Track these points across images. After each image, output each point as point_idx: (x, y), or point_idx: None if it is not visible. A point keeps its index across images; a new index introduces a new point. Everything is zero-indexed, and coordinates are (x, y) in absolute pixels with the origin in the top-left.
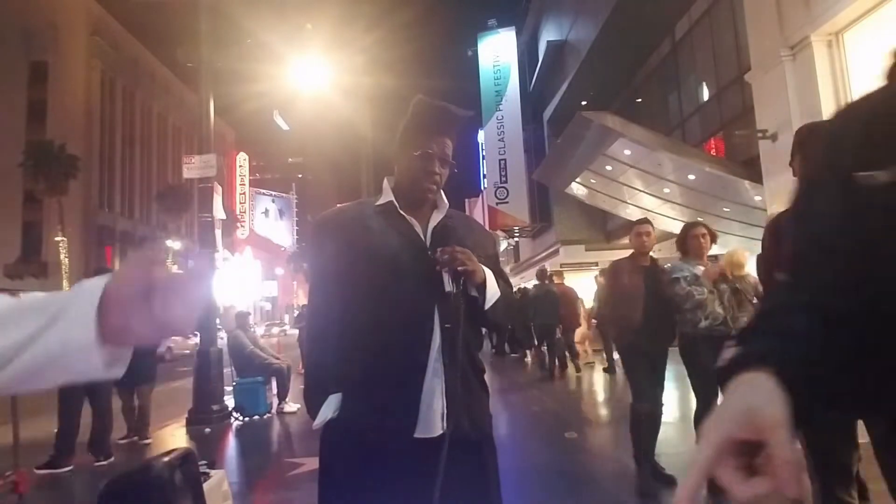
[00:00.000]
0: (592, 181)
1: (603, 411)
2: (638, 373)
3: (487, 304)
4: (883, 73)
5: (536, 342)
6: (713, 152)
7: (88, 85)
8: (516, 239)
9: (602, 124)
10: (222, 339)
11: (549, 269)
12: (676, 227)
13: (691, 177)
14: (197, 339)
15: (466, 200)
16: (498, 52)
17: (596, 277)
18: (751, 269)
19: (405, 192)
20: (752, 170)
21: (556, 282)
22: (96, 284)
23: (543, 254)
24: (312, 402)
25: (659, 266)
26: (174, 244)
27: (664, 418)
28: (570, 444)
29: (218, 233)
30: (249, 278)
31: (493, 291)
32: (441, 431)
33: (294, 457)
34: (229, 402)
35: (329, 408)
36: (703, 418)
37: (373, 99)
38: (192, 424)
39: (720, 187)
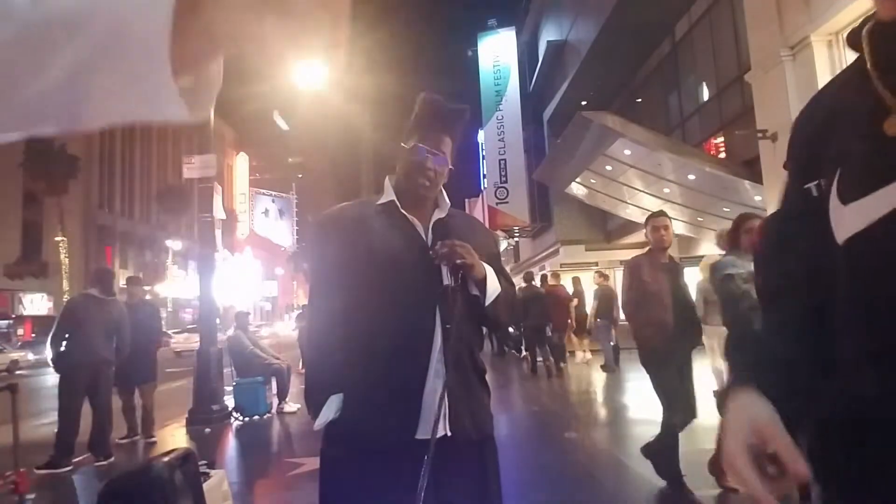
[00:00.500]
0: (592, 181)
1: (603, 411)
2: (667, 381)
3: (488, 301)
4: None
5: (526, 343)
6: (714, 152)
7: None
8: (516, 239)
9: (602, 124)
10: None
11: (544, 272)
12: (677, 228)
13: (691, 177)
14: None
15: (466, 200)
16: (498, 52)
17: (594, 277)
18: None
19: (404, 190)
20: (751, 170)
21: (550, 283)
22: None
23: (543, 254)
24: (313, 403)
25: (678, 263)
26: (174, 244)
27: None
28: (569, 444)
29: (218, 233)
30: (249, 278)
31: (493, 288)
32: (442, 433)
33: (294, 457)
34: (229, 402)
35: (330, 408)
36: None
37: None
38: (193, 424)
39: (720, 187)
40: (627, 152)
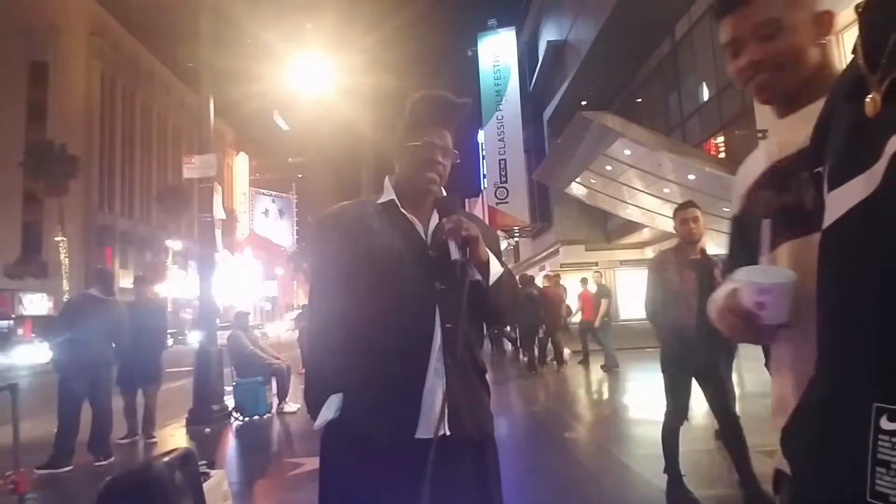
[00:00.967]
0: (592, 181)
1: (602, 411)
2: (679, 387)
3: (491, 280)
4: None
5: (520, 342)
6: (714, 152)
7: (88, 85)
8: (516, 239)
9: (602, 124)
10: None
11: (547, 273)
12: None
13: (691, 177)
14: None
15: (466, 200)
16: (498, 52)
17: (593, 275)
18: None
19: (407, 188)
20: None
21: (545, 285)
22: None
23: (543, 254)
24: (313, 403)
25: (712, 259)
26: (174, 244)
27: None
28: (570, 444)
29: (218, 233)
30: (249, 278)
31: (496, 270)
32: (442, 432)
33: (294, 457)
34: (229, 402)
35: (330, 408)
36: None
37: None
38: (192, 424)
39: (720, 187)
40: (627, 152)
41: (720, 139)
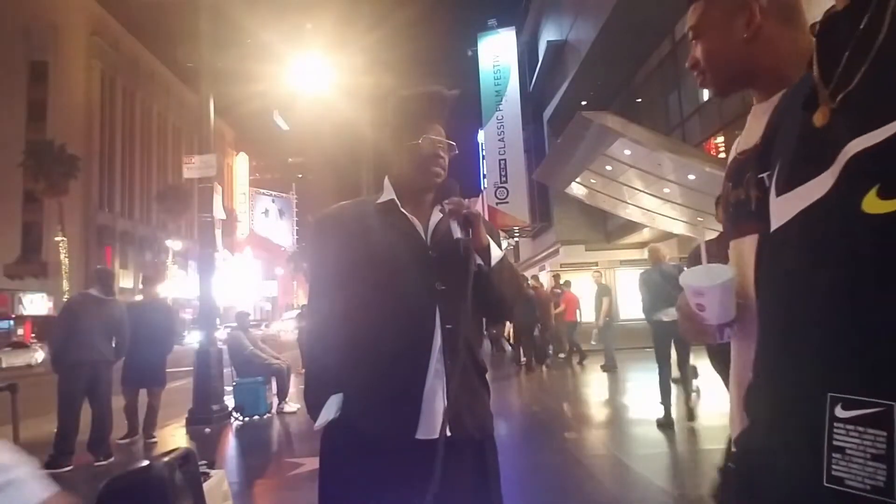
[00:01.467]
0: (592, 181)
1: (604, 411)
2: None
3: (493, 262)
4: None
5: (513, 340)
6: (714, 152)
7: (88, 85)
8: (516, 239)
9: (602, 124)
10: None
11: (544, 271)
12: (676, 228)
13: (691, 177)
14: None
15: (466, 200)
16: (498, 52)
17: (593, 275)
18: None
19: (408, 187)
20: None
21: (533, 285)
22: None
23: (543, 254)
24: (313, 403)
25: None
26: (174, 244)
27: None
28: (570, 444)
29: (218, 233)
30: (249, 278)
31: (497, 253)
32: (442, 434)
33: (294, 457)
34: (229, 402)
35: (330, 408)
36: None
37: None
38: (192, 424)
39: (720, 187)
40: (627, 152)
41: (720, 139)
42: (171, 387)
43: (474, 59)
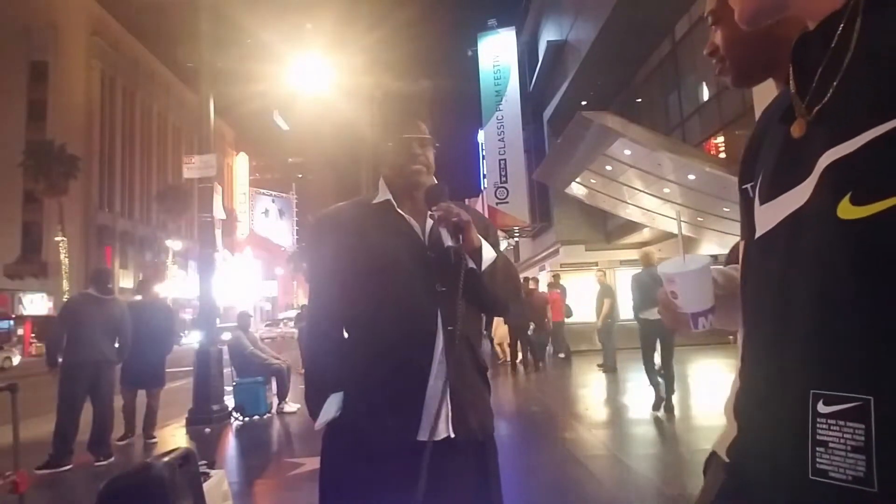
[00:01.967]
0: (592, 181)
1: (602, 410)
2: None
3: (484, 265)
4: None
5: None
6: (714, 152)
7: (88, 85)
8: (516, 239)
9: (602, 124)
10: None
11: (544, 271)
12: (676, 227)
13: (691, 177)
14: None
15: (466, 200)
16: (498, 52)
17: (596, 274)
18: None
19: (399, 188)
20: None
21: (529, 287)
22: None
23: (543, 254)
24: (313, 403)
25: None
26: (174, 244)
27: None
28: (569, 444)
29: (218, 233)
30: (249, 278)
31: (489, 255)
32: (445, 434)
33: (294, 457)
34: (229, 402)
35: (330, 408)
36: None
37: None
38: (193, 424)
39: (720, 187)
40: (627, 152)
41: (720, 139)
42: (172, 387)
43: (474, 60)
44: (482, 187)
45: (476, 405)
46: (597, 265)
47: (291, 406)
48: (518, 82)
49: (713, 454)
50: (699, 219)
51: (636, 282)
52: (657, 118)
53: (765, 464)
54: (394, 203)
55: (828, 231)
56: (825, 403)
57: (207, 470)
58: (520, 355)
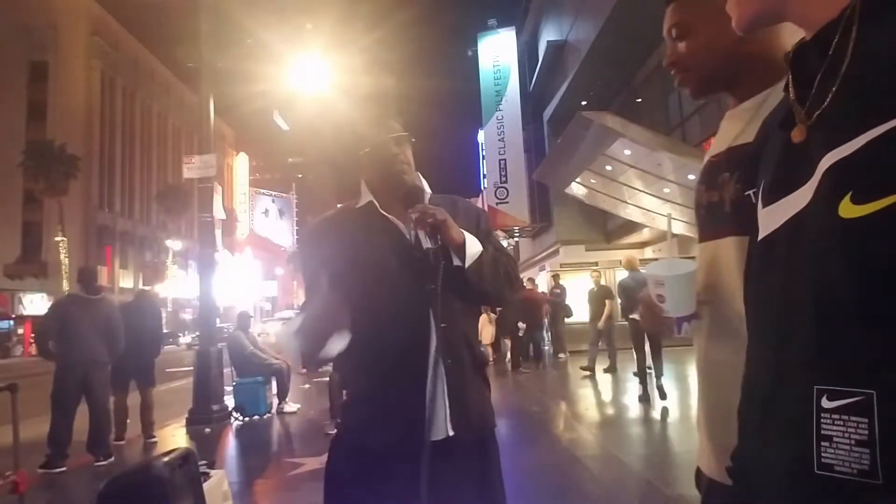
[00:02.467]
0: (592, 181)
1: (608, 412)
2: (639, 341)
3: (468, 262)
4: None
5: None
6: None
7: (88, 85)
8: (516, 239)
9: (602, 124)
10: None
11: (544, 271)
12: (676, 228)
13: (691, 177)
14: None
15: (473, 199)
16: (498, 52)
17: (591, 275)
18: None
19: (381, 191)
20: None
21: (527, 287)
22: None
23: (543, 254)
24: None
25: None
26: (174, 244)
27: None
28: (569, 444)
29: (218, 233)
30: (249, 278)
31: (474, 250)
32: (447, 434)
33: (294, 457)
34: (229, 402)
35: (340, 341)
36: None
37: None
38: (192, 424)
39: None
40: (627, 152)
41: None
42: (171, 387)
43: (474, 59)
44: (482, 187)
45: (476, 402)
46: (597, 265)
47: (291, 406)
48: (518, 82)
49: (699, 470)
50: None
51: (621, 287)
52: (657, 118)
53: (770, 463)
54: (376, 205)
55: (830, 230)
56: (829, 399)
57: (207, 470)
58: (531, 355)
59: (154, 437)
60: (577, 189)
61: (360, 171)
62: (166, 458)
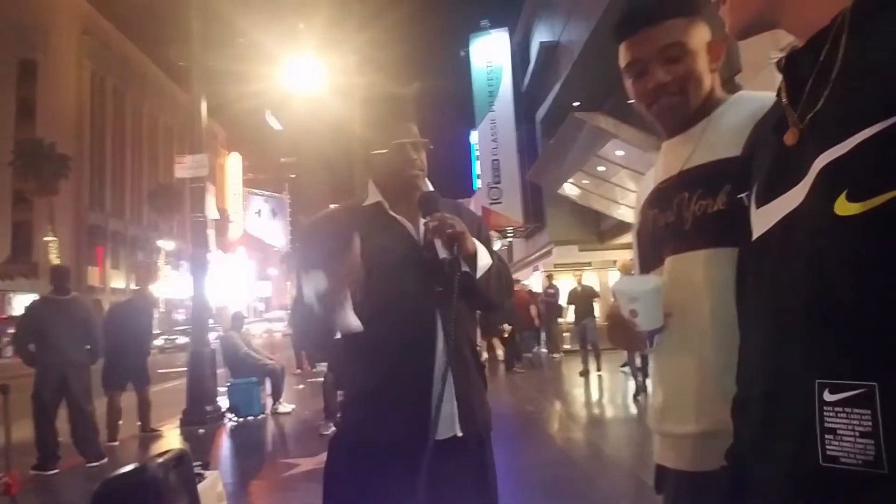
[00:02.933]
0: (585, 182)
1: (603, 411)
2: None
3: (479, 273)
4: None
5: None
6: None
7: (79, 84)
8: (509, 239)
9: (595, 125)
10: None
11: (538, 271)
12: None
13: None
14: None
15: (459, 201)
16: (491, 52)
17: (574, 276)
18: None
19: (391, 191)
20: None
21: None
22: None
23: (536, 254)
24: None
25: None
26: (166, 244)
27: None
28: (564, 444)
29: (211, 233)
30: (243, 278)
31: (484, 262)
32: (453, 433)
33: (289, 457)
34: (223, 402)
35: (352, 317)
36: None
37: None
38: (186, 425)
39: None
40: (620, 153)
41: None
42: (165, 387)
43: (467, 60)
44: (475, 188)
45: (480, 402)
46: (590, 265)
47: (286, 407)
48: (511, 83)
49: (662, 468)
50: None
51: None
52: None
53: (775, 457)
54: (385, 205)
55: (826, 227)
56: (831, 392)
57: (202, 471)
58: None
59: (155, 429)
60: (569, 189)
61: (370, 172)
62: (161, 460)
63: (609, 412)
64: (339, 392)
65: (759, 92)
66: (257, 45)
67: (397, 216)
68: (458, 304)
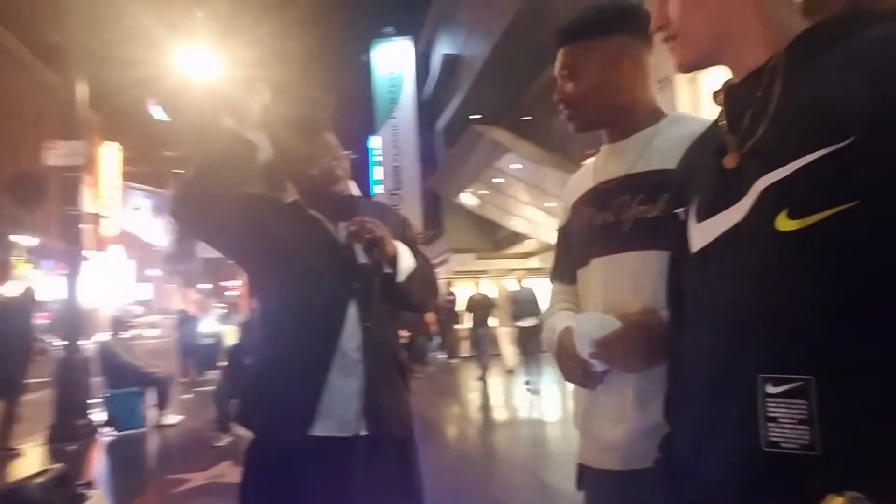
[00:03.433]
0: (483, 192)
1: (502, 414)
2: None
3: (401, 276)
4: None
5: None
6: None
7: None
8: None
9: (493, 138)
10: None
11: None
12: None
13: None
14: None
15: (384, 203)
16: (394, 60)
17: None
18: None
19: (312, 195)
20: None
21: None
22: None
23: (434, 261)
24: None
25: None
26: (29, 240)
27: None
28: (462, 446)
29: (85, 228)
30: (119, 279)
31: (407, 264)
32: (357, 432)
33: (178, 473)
34: (98, 415)
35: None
36: None
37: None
38: (55, 442)
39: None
40: (515, 166)
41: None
42: (23, 400)
43: (368, 64)
44: (371, 193)
45: (396, 403)
46: (486, 273)
47: (172, 418)
48: (414, 91)
49: (584, 467)
50: None
51: (513, 298)
52: (541, 137)
53: (716, 446)
54: (302, 203)
55: (768, 241)
56: (773, 385)
57: (84, 491)
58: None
59: (14, 448)
60: (467, 199)
61: (289, 175)
62: (40, 479)
63: (505, 415)
64: (233, 400)
65: (695, 116)
66: (147, 30)
67: (316, 214)
68: (378, 306)
